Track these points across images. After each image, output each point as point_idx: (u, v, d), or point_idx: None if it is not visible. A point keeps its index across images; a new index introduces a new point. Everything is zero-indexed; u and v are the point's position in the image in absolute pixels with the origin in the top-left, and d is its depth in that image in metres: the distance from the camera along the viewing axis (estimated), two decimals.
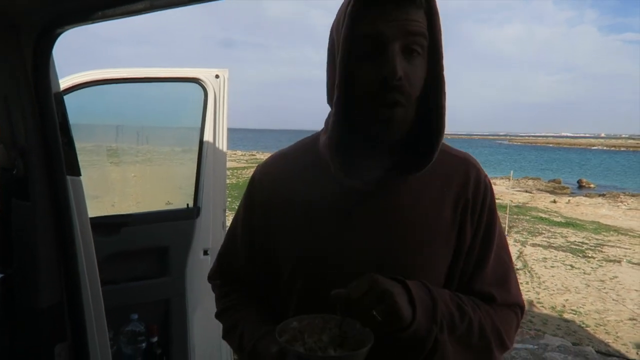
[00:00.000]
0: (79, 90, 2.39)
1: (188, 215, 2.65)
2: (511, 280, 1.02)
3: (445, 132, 0.92)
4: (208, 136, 2.65)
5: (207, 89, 2.63)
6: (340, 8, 0.93)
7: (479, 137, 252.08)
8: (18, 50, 1.17)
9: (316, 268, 0.96)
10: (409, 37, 0.85)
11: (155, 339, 2.50)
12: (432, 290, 0.88)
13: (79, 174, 1.34)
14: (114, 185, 3.42)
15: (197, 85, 2.64)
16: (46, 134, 1.23)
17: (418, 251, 0.95)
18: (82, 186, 1.36)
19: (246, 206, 1.08)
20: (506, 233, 8.08)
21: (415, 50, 0.87)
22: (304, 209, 0.98)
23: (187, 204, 2.69)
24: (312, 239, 0.97)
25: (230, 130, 2.81)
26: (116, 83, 2.49)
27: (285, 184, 1.01)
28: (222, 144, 2.69)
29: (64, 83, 2.31)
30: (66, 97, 1.37)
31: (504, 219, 11.07)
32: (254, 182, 1.07)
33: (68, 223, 1.28)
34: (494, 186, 1.13)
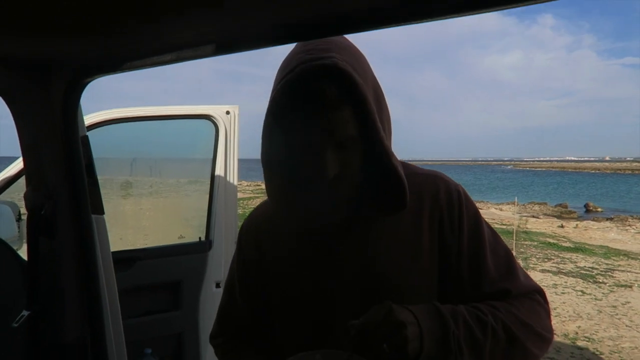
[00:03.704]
0: (94, 130, 2.48)
1: (200, 249, 2.69)
2: (516, 269, 1.00)
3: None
4: (219, 170, 2.71)
5: (219, 125, 2.71)
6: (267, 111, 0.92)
7: (483, 162, 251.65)
8: (47, 98, 1.23)
9: (306, 305, 1.01)
10: (336, 139, 0.86)
11: None
12: (445, 315, 0.86)
13: (102, 212, 1.40)
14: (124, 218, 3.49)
15: (208, 122, 2.73)
16: (73, 176, 1.29)
17: (403, 275, 0.96)
18: (106, 224, 1.41)
19: (238, 259, 1.15)
20: None
21: (347, 141, 0.87)
22: (285, 253, 1.05)
23: (200, 238, 2.73)
24: (297, 278, 1.02)
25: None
26: (131, 121, 2.57)
27: (267, 233, 1.09)
28: (233, 177, 2.75)
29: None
30: None
31: (511, 245, 10.97)
32: (241, 235, 1.15)
33: (92, 260, 1.33)
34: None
